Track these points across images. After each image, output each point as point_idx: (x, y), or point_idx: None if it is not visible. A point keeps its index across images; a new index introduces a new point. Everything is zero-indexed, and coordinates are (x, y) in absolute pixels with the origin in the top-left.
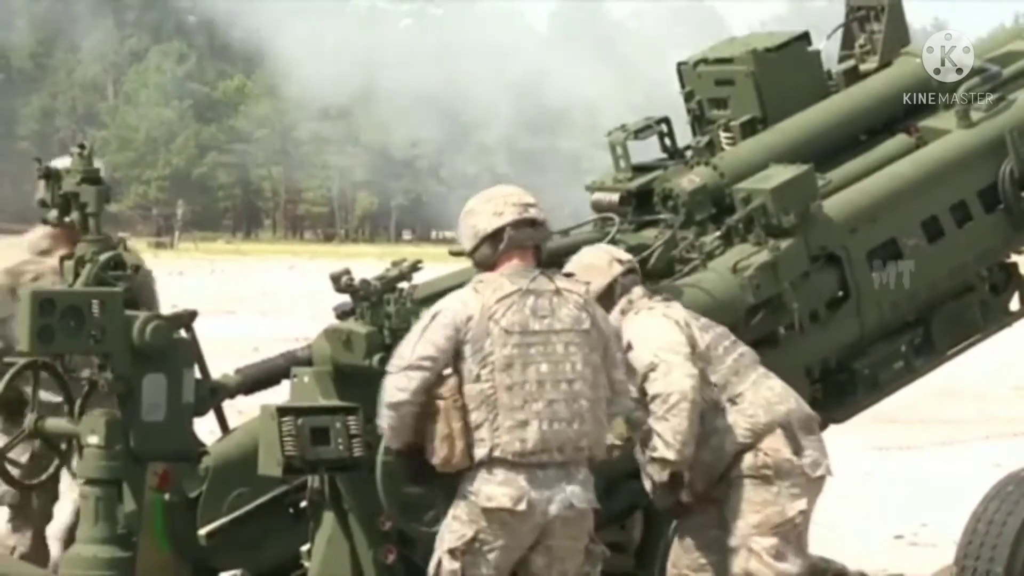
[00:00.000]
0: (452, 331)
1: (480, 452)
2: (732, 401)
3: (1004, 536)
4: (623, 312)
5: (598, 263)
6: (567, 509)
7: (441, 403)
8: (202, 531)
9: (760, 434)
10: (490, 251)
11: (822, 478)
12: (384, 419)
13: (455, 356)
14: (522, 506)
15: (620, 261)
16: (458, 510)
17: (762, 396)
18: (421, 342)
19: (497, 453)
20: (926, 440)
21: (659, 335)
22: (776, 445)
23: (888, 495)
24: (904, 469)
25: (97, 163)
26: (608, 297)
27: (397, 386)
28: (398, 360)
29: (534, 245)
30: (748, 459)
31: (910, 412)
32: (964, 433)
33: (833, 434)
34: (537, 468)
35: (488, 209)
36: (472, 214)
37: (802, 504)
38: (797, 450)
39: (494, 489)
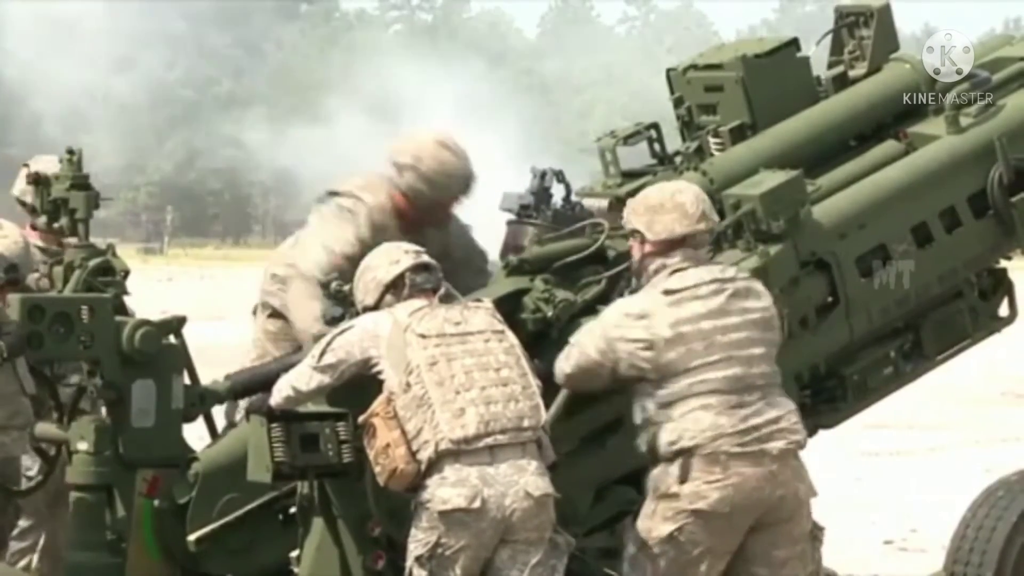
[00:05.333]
0: (361, 345)
1: (426, 453)
2: None
3: (993, 541)
4: None
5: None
6: (523, 500)
7: (376, 419)
8: (191, 537)
9: None
10: (393, 299)
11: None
12: (279, 394)
13: (377, 377)
14: (477, 504)
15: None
16: (418, 520)
17: None
18: (329, 350)
19: (443, 447)
20: (915, 445)
21: None
22: None
23: (878, 500)
24: (893, 474)
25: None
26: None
27: (296, 384)
28: (309, 359)
29: (433, 289)
30: None
31: (899, 417)
32: (954, 438)
33: (822, 440)
34: (487, 465)
35: (384, 261)
36: (369, 269)
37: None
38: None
39: (447, 491)
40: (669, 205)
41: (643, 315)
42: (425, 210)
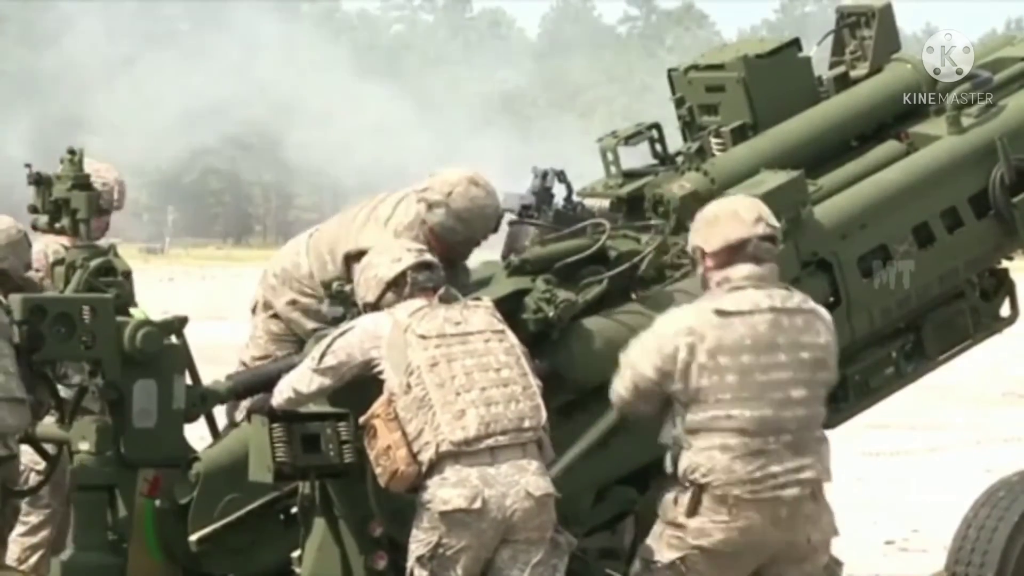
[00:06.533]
0: (362, 347)
1: (427, 455)
2: None
3: (995, 542)
4: None
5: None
6: (524, 500)
7: (376, 421)
8: (193, 537)
9: None
10: (395, 297)
11: None
12: (280, 396)
13: (378, 378)
14: (477, 504)
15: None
16: (419, 520)
17: None
18: (330, 352)
19: (443, 448)
20: (917, 446)
21: None
22: None
23: (879, 501)
24: (895, 475)
25: (113, 172)
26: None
27: (297, 386)
28: (309, 361)
29: (434, 287)
30: None
31: (901, 418)
32: (955, 439)
33: None
34: (488, 465)
35: (386, 259)
36: (371, 266)
37: None
38: None
39: (448, 492)
40: (723, 214)
41: (690, 332)
42: (453, 247)
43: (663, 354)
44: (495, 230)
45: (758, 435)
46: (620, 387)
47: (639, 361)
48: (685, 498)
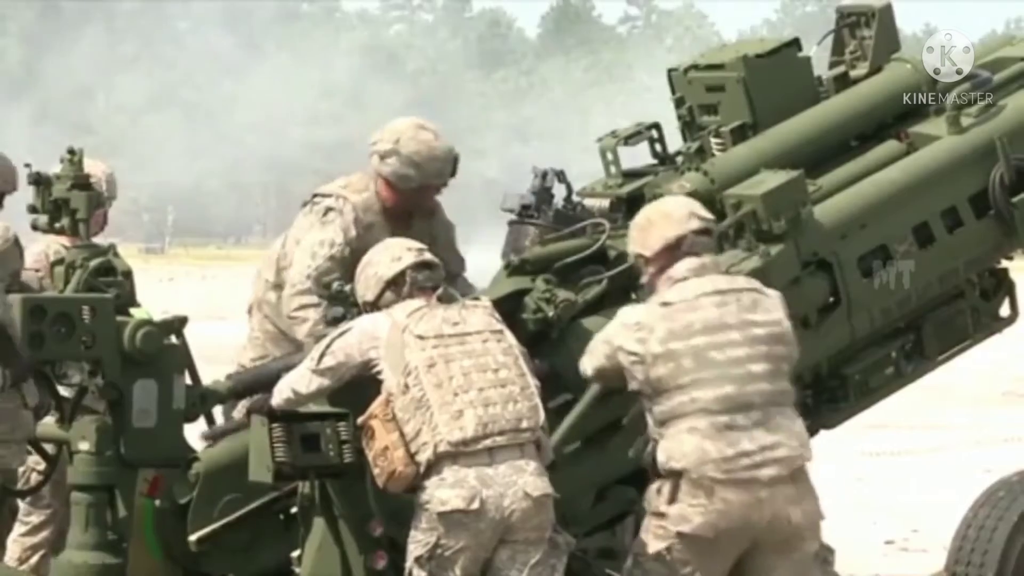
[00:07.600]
0: (360, 347)
1: (425, 455)
2: None
3: (995, 541)
4: None
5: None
6: (522, 500)
7: (374, 422)
8: (192, 537)
9: None
10: (394, 296)
11: None
12: (279, 396)
13: (376, 378)
14: (475, 505)
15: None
16: (417, 521)
17: None
18: (328, 352)
19: (441, 448)
20: (917, 446)
21: None
22: None
23: (879, 501)
24: (895, 475)
25: (101, 166)
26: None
27: (296, 386)
28: (308, 362)
29: (433, 287)
30: None
31: (901, 418)
32: (955, 439)
33: (824, 440)
34: (486, 466)
35: (386, 257)
36: (371, 264)
37: None
38: None
39: (446, 492)
40: (655, 216)
41: (639, 326)
42: (411, 196)
43: (612, 345)
44: (453, 174)
45: (724, 412)
46: (585, 367)
47: (596, 348)
48: (666, 487)
